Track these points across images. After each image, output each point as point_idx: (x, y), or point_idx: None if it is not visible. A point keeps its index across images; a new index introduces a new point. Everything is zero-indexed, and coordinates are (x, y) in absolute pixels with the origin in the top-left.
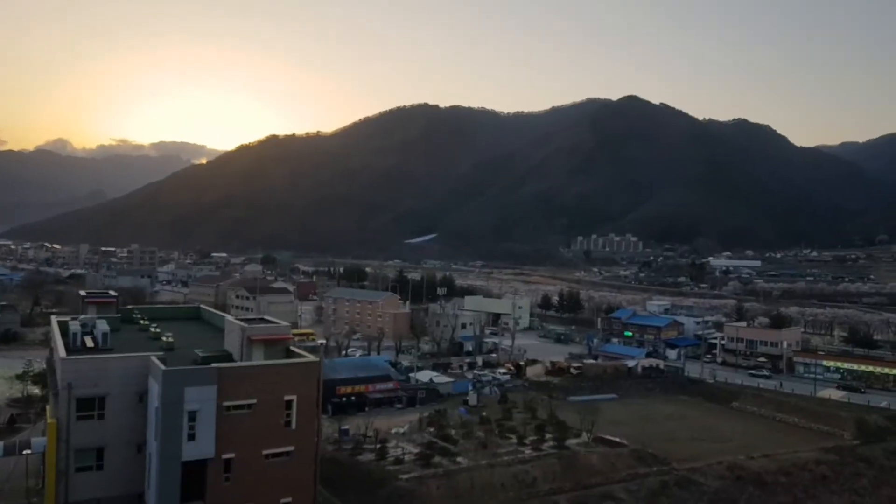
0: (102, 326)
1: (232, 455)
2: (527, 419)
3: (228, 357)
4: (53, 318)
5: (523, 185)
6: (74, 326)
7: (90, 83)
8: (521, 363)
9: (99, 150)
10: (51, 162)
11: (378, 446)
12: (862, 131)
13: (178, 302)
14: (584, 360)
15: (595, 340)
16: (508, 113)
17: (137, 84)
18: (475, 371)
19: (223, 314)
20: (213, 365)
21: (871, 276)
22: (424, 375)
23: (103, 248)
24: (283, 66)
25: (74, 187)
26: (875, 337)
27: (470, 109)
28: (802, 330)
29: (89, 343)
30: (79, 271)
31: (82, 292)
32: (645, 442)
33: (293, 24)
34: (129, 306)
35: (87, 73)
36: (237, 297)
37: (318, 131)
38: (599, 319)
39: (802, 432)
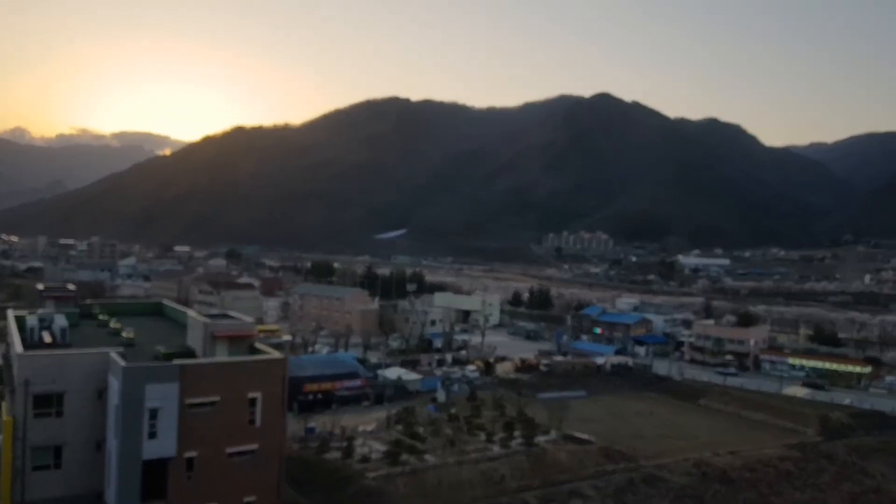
0: (61, 321)
1: (194, 453)
2: (496, 416)
3: (191, 353)
4: (10, 313)
5: (495, 181)
6: (32, 321)
7: (49, 70)
8: (491, 360)
9: (58, 140)
10: (8, 151)
11: (345, 444)
12: (830, 132)
13: (140, 297)
14: (554, 358)
15: (565, 337)
16: (480, 107)
17: (99, 72)
18: (444, 368)
19: (186, 310)
20: (176, 361)
21: (837, 276)
22: (393, 373)
23: (62, 241)
24: (250, 55)
25: (32, 177)
26: (840, 335)
27: (441, 103)
28: (769, 328)
29: (47, 338)
30: (36, 264)
31: (40, 286)
32: (613, 439)
33: (260, 13)
34: (89, 301)
35: (46, 60)
36: (200, 292)
37: (286, 123)
38: (569, 317)
39: (767, 429)
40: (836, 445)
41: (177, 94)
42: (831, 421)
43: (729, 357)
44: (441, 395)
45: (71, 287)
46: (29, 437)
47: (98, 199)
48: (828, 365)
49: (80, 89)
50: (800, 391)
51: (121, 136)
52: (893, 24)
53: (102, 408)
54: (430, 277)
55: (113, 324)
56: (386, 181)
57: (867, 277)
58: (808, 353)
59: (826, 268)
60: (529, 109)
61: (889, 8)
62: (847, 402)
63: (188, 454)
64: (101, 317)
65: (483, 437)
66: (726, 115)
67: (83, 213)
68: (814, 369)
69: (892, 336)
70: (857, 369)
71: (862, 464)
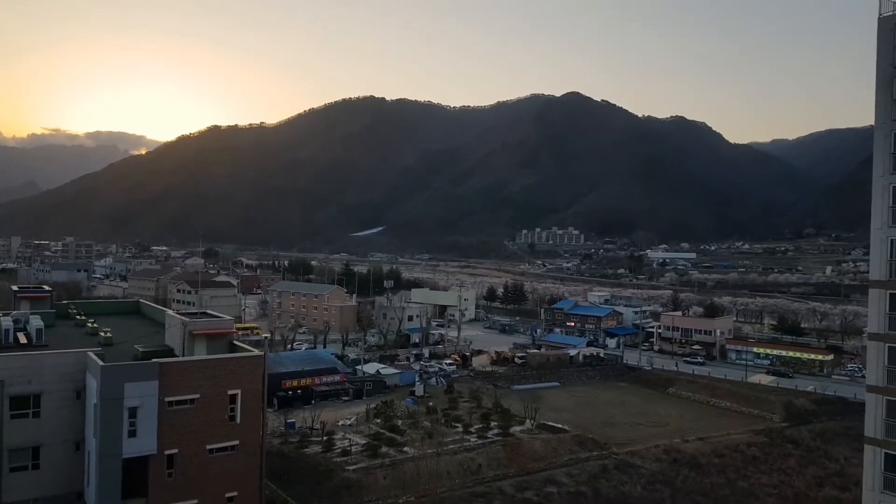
0: (36, 322)
1: (175, 451)
2: (472, 408)
3: (170, 352)
4: None
5: (469, 179)
6: (6, 322)
7: (21, 69)
8: (467, 354)
9: (31, 140)
10: None
11: (325, 439)
12: (791, 129)
13: (117, 297)
14: (528, 350)
15: (538, 330)
16: (454, 107)
17: (72, 71)
18: (422, 362)
19: (164, 309)
20: (154, 360)
21: (799, 268)
22: (371, 368)
23: (36, 242)
24: (225, 55)
25: (5, 178)
26: (802, 325)
27: (416, 102)
28: (734, 319)
29: (23, 339)
30: (10, 265)
31: (14, 287)
32: (586, 427)
33: (235, 13)
34: (65, 301)
35: (17, 60)
36: (178, 291)
37: (262, 122)
38: (543, 310)
39: (734, 416)
40: (801, 431)
41: (152, 94)
42: (796, 407)
43: (696, 347)
44: (419, 389)
45: (46, 288)
46: (6, 438)
47: (73, 199)
48: (791, 353)
49: (53, 89)
50: (765, 379)
51: (95, 135)
52: (853, 23)
53: (81, 407)
54: (406, 274)
55: (90, 324)
56: (362, 180)
57: (829, 269)
58: (773, 343)
59: (789, 260)
60: (502, 108)
61: (848, 7)
62: (811, 388)
63: (169, 451)
64: (78, 317)
65: (460, 428)
66: (692, 114)
67: (58, 214)
68: (778, 358)
69: (853, 325)
70: (820, 357)
71: (826, 448)
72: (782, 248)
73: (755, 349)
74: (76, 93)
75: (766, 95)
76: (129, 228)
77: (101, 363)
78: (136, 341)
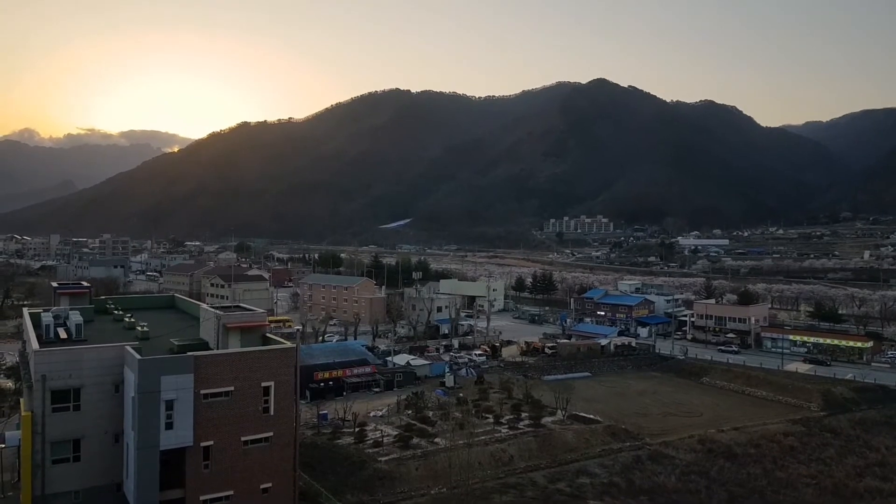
0: (76, 317)
1: (211, 442)
2: (503, 399)
3: (204, 345)
4: (25, 310)
5: (495, 169)
6: (47, 318)
7: (56, 71)
8: (497, 344)
9: (67, 140)
10: (17, 153)
11: (357, 430)
12: (825, 111)
13: (153, 291)
14: (558, 340)
15: (568, 320)
16: (479, 97)
17: (105, 72)
18: (451, 353)
19: (198, 303)
20: (190, 353)
21: (836, 253)
22: (401, 359)
23: (75, 239)
24: (253, 52)
25: (43, 178)
26: (840, 311)
27: (441, 94)
28: (769, 306)
29: (63, 335)
30: (50, 262)
31: (54, 284)
32: (618, 418)
33: (263, 9)
34: (103, 297)
35: (52, 62)
36: (212, 285)
37: (290, 118)
38: (572, 300)
39: (771, 405)
40: (840, 420)
41: (183, 92)
42: (834, 395)
43: (730, 335)
44: (449, 380)
45: (85, 284)
46: (48, 431)
47: (108, 197)
48: (829, 341)
49: (88, 89)
50: (802, 367)
51: (129, 134)
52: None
53: (119, 400)
54: (434, 265)
55: (127, 318)
56: (389, 172)
57: (867, 254)
58: (809, 330)
59: (825, 245)
60: (527, 97)
61: None
62: (849, 376)
63: (205, 443)
64: (115, 312)
65: (491, 419)
66: (722, 97)
67: (94, 212)
68: (815, 345)
69: (892, 311)
70: (859, 344)
71: (866, 437)
72: (818, 233)
73: (791, 337)
74: (110, 92)
75: (799, 77)
76: (163, 225)
77: (138, 357)
78: (171, 335)
